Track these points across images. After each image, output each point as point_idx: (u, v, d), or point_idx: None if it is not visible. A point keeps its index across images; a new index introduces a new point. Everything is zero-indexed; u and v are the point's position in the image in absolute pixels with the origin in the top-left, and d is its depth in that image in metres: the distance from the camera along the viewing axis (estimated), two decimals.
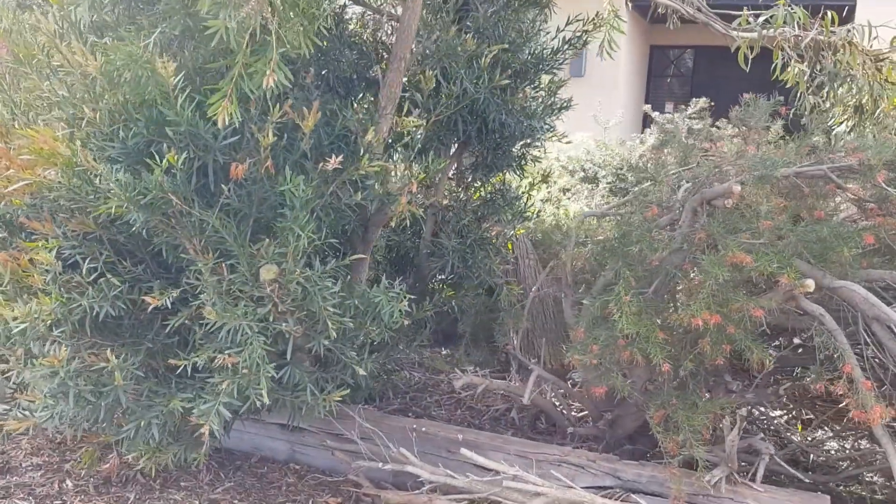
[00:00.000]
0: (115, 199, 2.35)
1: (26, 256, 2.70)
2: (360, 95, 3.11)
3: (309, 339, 2.79)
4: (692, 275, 3.00)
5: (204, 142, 2.56)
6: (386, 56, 3.69)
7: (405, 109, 2.85)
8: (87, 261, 2.72)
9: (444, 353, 5.37)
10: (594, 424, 3.53)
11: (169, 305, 2.59)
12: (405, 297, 2.78)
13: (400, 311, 2.78)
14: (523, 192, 4.11)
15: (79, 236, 2.80)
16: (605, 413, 3.44)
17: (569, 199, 5.58)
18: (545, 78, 3.72)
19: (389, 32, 3.52)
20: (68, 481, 3.53)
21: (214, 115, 2.32)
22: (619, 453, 3.31)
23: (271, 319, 2.68)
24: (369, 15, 3.79)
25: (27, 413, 3.14)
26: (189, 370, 2.99)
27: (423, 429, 3.48)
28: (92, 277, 2.72)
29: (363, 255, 2.89)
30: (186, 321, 2.79)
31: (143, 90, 2.47)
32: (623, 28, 3.55)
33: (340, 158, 2.59)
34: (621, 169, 5.16)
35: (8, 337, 2.67)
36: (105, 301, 2.68)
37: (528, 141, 3.71)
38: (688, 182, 3.21)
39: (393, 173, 2.85)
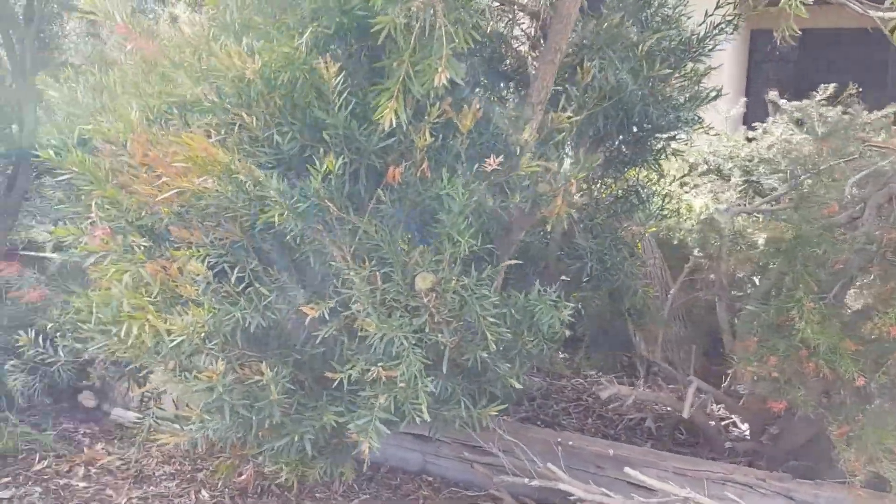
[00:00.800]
0: (278, 208, 2.24)
1: (174, 266, 2.62)
2: (505, 91, 2.94)
3: (463, 350, 2.63)
4: (873, 277, 2.73)
5: (358, 145, 2.43)
6: (518, 49, 3.51)
7: (560, 104, 2.65)
8: (235, 269, 2.63)
9: (561, 356, 5.16)
10: (755, 439, 3.27)
11: (327, 316, 2.46)
12: (566, 306, 2.59)
13: (560, 320, 2.60)
14: (661, 189, 3.86)
15: (224, 245, 2.72)
16: (767, 427, 3.18)
17: (688, 193, 5.28)
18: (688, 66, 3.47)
19: (526, 25, 3.34)
20: (204, 492, 3.48)
21: (379, 117, 2.17)
22: (786, 470, 3.05)
23: (427, 330, 2.53)
24: (495, 6, 3.61)
25: (172, 424, 3.10)
26: (336, 382, 2.89)
27: (570, 442, 3.30)
28: (241, 287, 2.63)
29: (517, 261, 2.71)
30: (334, 331, 2.67)
31: (299, 93, 2.35)
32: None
33: (501, 159, 2.42)
34: (750, 161, 4.85)
35: (157, 350, 2.60)
36: (256, 312, 2.58)
37: (673, 134, 3.47)
38: (858, 176, 2.92)
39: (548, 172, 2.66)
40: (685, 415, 3.04)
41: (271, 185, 2.27)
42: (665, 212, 3.91)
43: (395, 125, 2.29)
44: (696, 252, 3.95)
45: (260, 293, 2.63)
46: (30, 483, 3.54)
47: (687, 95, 3.38)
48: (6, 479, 3.57)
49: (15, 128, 5.85)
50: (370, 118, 2.44)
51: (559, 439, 3.31)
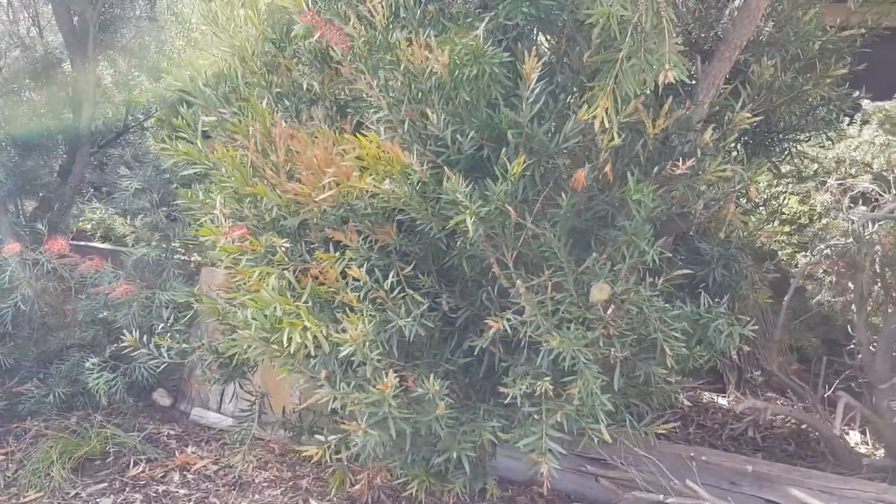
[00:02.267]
0: (468, 211, 2.07)
1: (330, 270, 2.45)
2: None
3: (634, 366, 2.48)
4: None
5: (536, 145, 2.27)
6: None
7: (740, 104, 2.50)
8: (390, 274, 2.47)
9: None
10: (892, 456, 3.14)
11: (507, 328, 2.30)
12: (745, 322, 2.44)
13: (739, 334, 2.45)
14: (776, 192, 3.71)
15: (375, 248, 2.56)
16: None
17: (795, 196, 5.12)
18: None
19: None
20: (313, 501, 3.33)
21: (588, 116, 2.01)
22: None
23: (601, 344, 2.38)
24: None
25: (278, 430, 2.95)
26: (487, 393, 2.74)
27: (704, 457, 3.15)
28: (395, 293, 2.47)
29: (688, 270, 2.56)
30: (489, 345, 2.52)
31: (485, 88, 2.18)
32: None
33: (692, 162, 2.27)
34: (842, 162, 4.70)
35: (309, 357, 2.44)
36: (415, 319, 2.42)
37: (812, 134, 3.31)
38: None
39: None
40: (836, 431, 2.90)
41: (458, 188, 2.10)
42: (784, 216, 3.76)
43: (616, 126, 2.13)
44: (808, 258, 3.80)
45: (415, 300, 2.47)
46: (127, 489, 3.38)
47: (830, 96, 3.22)
48: (102, 486, 3.41)
49: (70, 114, 5.65)
50: (551, 117, 2.29)
51: (692, 453, 3.17)
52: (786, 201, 3.79)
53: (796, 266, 4.59)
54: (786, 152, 3.56)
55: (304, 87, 3.22)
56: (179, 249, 4.54)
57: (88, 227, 6.43)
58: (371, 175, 2.22)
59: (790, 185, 4.30)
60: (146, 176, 4.52)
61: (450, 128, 2.22)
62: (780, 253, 4.77)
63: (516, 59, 2.15)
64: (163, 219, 4.36)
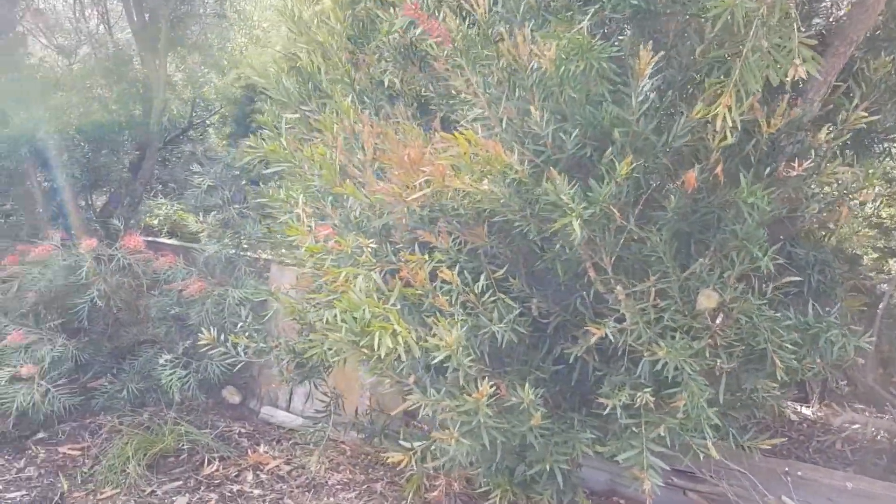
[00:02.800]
0: (573, 214, 1.97)
1: (419, 272, 2.38)
2: None
3: (741, 378, 2.35)
4: None
5: (643, 145, 2.15)
6: None
7: (854, 102, 2.34)
8: (482, 277, 2.38)
9: None
10: None
11: (610, 335, 2.19)
12: (860, 333, 2.29)
13: (856, 346, 2.30)
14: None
15: (464, 250, 2.48)
16: None
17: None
18: None
19: None
20: None
21: (707, 113, 1.89)
22: None
23: (707, 355, 2.26)
24: None
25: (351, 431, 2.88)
26: (578, 402, 2.64)
27: (799, 473, 3.00)
28: (486, 297, 2.38)
29: (797, 277, 2.41)
30: (583, 352, 2.41)
31: (592, 84, 2.08)
32: None
33: (809, 163, 2.12)
34: None
35: (398, 361, 2.37)
36: (507, 325, 2.33)
37: None
38: None
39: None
40: None
41: (562, 189, 2.00)
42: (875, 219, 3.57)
43: (738, 126, 2.01)
44: None
45: (507, 304, 2.38)
46: (202, 488, 3.35)
47: None
48: (177, 483, 3.39)
49: (139, 110, 5.70)
50: (657, 114, 2.17)
51: (786, 468, 3.01)
52: (879, 204, 3.60)
53: (886, 272, 4.38)
54: (885, 153, 3.38)
55: (385, 83, 3.16)
56: (248, 246, 4.53)
57: (155, 222, 6.48)
58: (467, 174, 2.13)
59: (879, 188, 4.10)
60: (217, 173, 4.51)
61: (551, 125, 2.12)
62: (865, 258, 4.56)
63: (625, 54, 2.04)
64: (234, 216, 4.35)
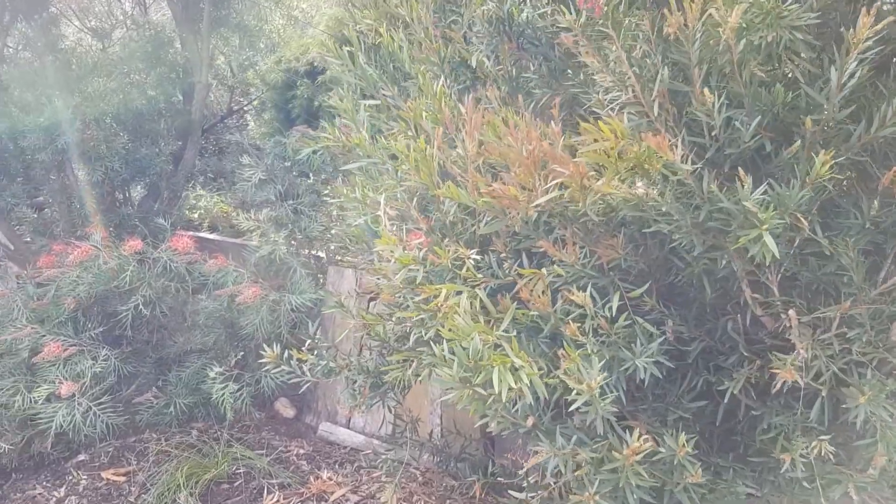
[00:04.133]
0: (763, 226, 1.53)
1: (537, 291, 1.96)
2: None
3: None
4: None
5: (846, 137, 1.71)
6: None
7: None
8: (616, 297, 1.95)
9: None
10: None
11: (799, 381, 1.76)
12: None
13: None
14: None
15: (589, 263, 2.06)
16: None
17: None
18: None
19: None
20: None
21: None
22: None
23: None
24: None
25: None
26: (719, 443, 2.21)
27: None
28: (621, 321, 1.95)
29: None
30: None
31: (779, 60, 1.63)
32: None
33: None
34: None
35: (509, 402, 1.95)
36: (649, 358, 1.90)
37: None
38: None
39: None
40: None
41: (745, 195, 1.56)
42: None
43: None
44: None
45: (646, 330, 1.95)
46: None
47: None
48: None
49: (180, 96, 5.32)
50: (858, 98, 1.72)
51: None
52: None
53: None
54: None
55: (473, 63, 2.73)
56: (304, 246, 4.14)
57: (195, 216, 6.12)
58: (615, 175, 1.70)
59: None
60: (268, 165, 4.11)
61: (723, 112, 1.68)
62: None
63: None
64: (289, 213, 3.95)
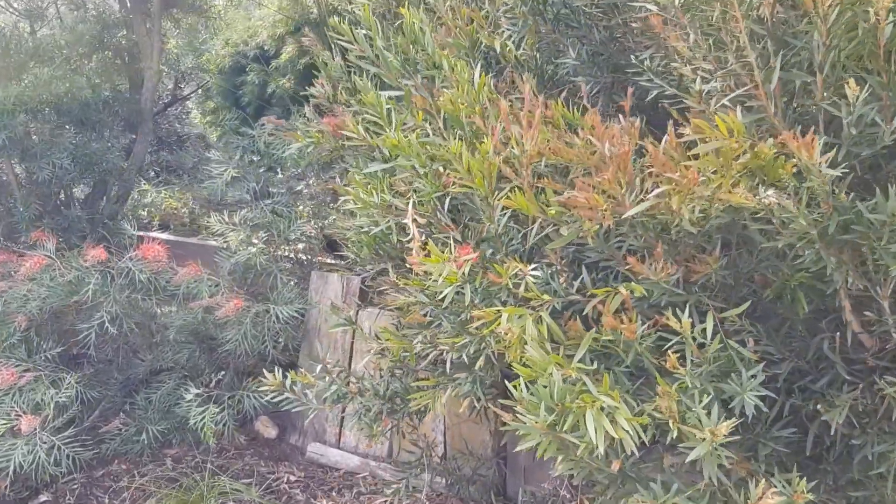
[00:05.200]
0: None
1: (620, 318, 1.70)
2: None
3: None
4: None
5: None
6: None
7: None
8: (709, 319, 1.70)
9: None
10: None
11: None
12: None
13: None
14: None
15: (669, 281, 1.80)
16: None
17: None
18: None
19: None
20: None
21: None
22: None
23: None
24: None
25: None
26: (814, 478, 1.99)
27: None
28: (713, 346, 1.71)
29: None
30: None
31: None
32: None
33: None
34: None
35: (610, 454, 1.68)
36: (754, 389, 1.66)
37: None
38: None
39: None
40: None
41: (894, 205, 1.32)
42: None
43: None
44: None
45: (743, 357, 1.71)
46: None
47: None
48: None
49: (127, 83, 4.84)
50: None
51: None
52: None
53: None
54: None
55: (498, 49, 2.45)
56: (280, 249, 3.78)
57: (144, 213, 5.64)
58: (733, 180, 1.44)
59: None
60: (238, 161, 3.72)
61: (866, 106, 1.44)
62: None
63: None
64: (266, 214, 3.58)
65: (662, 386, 1.62)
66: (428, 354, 2.30)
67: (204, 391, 3.23)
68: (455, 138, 1.99)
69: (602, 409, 1.58)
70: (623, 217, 1.62)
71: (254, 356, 3.34)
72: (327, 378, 2.50)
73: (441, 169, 2.05)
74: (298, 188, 4.12)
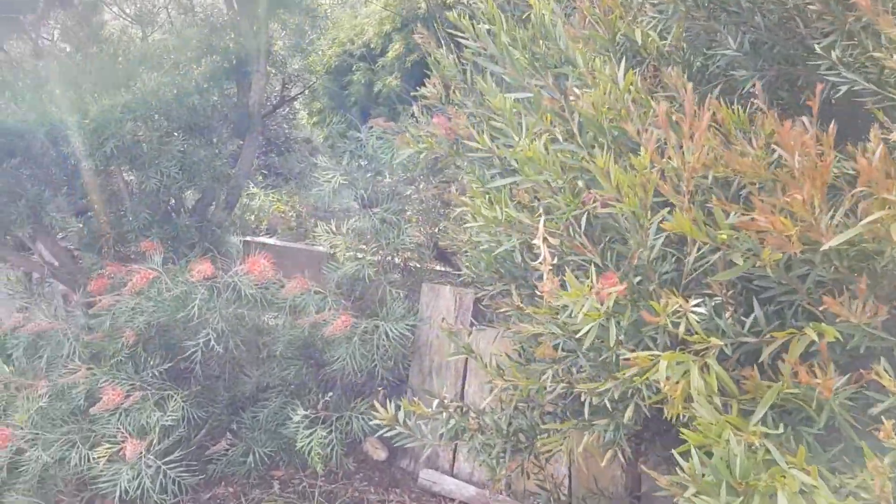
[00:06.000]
0: None
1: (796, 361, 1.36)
2: None
3: None
4: None
5: None
6: None
7: None
8: None
9: None
10: None
11: None
12: None
13: None
14: None
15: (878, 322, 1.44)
16: None
17: None
18: None
19: None
20: None
21: None
22: None
23: None
24: None
25: None
26: None
27: None
28: None
29: None
30: None
31: None
32: None
33: None
34: None
35: None
36: None
37: None
38: None
39: None
40: None
41: None
42: None
43: None
44: None
45: None
46: None
47: None
48: None
49: (234, 87, 4.75)
50: None
51: None
52: None
53: None
54: None
55: (639, 40, 2.12)
56: (399, 262, 3.57)
57: (252, 218, 5.58)
58: None
59: None
60: (346, 167, 3.53)
61: None
62: None
63: None
64: (375, 223, 3.37)
65: (871, 460, 1.27)
66: (558, 391, 2.00)
67: (311, 412, 3.06)
68: (592, 146, 1.69)
69: (800, 490, 1.26)
70: (821, 248, 1.29)
71: (362, 375, 3.14)
72: (444, 413, 2.24)
73: (579, 183, 1.76)
74: (407, 193, 3.90)
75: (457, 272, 3.71)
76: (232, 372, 3.34)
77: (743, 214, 1.41)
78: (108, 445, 2.70)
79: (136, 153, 3.65)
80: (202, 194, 4.75)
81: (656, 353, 1.49)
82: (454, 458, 3.32)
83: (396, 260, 3.57)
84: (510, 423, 2.35)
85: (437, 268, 3.88)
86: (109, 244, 4.10)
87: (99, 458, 2.68)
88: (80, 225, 4.34)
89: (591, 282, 1.56)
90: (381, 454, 3.51)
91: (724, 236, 1.41)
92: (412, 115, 3.32)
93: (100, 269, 3.56)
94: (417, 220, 3.80)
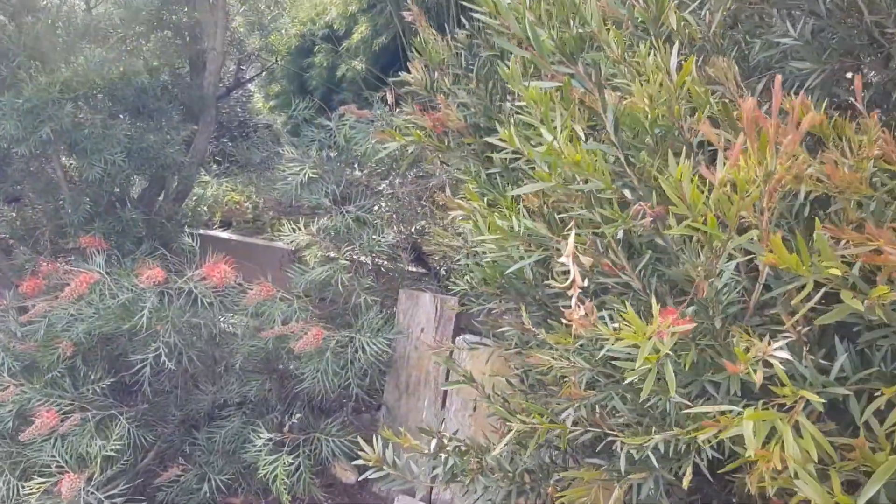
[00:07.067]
0: None
1: None
2: None
3: None
4: None
5: None
6: None
7: None
8: None
9: None
10: None
11: None
12: None
13: None
14: None
15: None
16: None
17: None
18: None
19: None
20: None
21: None
22: None
23: None
24: None
25: None
26: None
27: None
28: None
29: None
30: None
31: None
32: None
33: None
34: None
35: None
36: None
37: None
38: None
39: None
40: None
41: None
42: None
43: None
44: None
45: None
46: None
47: None
48: None
49: (187, 66, 4.33)
50: None
51: None
52: None
53: None
54: None
55: (676, 25, 1.83)
56: (371, 265, 3.23)
57: (204, 209, 5.16)
58: None
59: None
60: (315, 158, 3.17)
61: None
62: None
63: None
64: (349, 223, 3.02)
65: None
66: (585, 439, 1.71)
67: (276, 435, 2.72)
68: (629, 147, 1.40)
69: None
70: None
71: (334, 393, 2.81)
72: (442, 456, 1.94)
73: (626, 193, 1.46)
74: (380, 188, 3.57)
75: (436, 279, 3.41)
76: (185, 387, 2.97)
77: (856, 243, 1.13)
78: (40, 480, 2.32)
79: (77, 138, 3.23)
80: (150, 184, 4.34)
81: (732, 408, 1.22)
82: (432, 484, 3.01)
83: (370, 263, 3.24)
84: (511, 460, 2.06)
85: (412, 269, 3.57)
86: (46, 237, 3.68)
87: (30, 494, 2.30)
88: (13, 214, 3.90)
89: (649, 316, 1.27)
90: (350, 477, 3.19)
91: (837, 270, 1.13)
92: (384, 101, 3.00)
93: (34, 267, 3.15)
94: (392, 217, 3.47)
